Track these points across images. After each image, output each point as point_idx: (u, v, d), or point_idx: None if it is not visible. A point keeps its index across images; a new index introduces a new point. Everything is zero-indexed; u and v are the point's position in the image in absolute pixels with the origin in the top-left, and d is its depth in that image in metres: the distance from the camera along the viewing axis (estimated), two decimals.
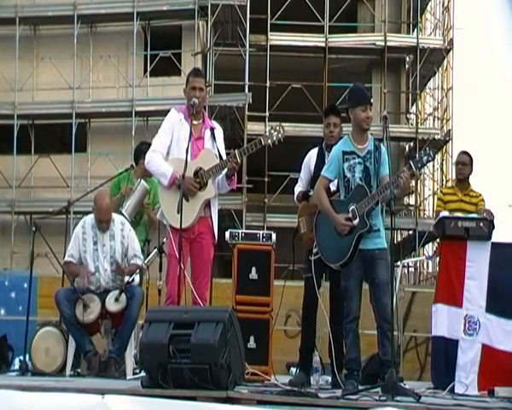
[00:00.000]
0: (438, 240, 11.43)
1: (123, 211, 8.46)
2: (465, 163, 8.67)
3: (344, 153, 6.44)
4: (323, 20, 22.36)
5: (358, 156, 6.41)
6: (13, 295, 11.68)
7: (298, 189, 7.68)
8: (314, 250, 7.02)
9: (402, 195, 6.51)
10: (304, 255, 7.49)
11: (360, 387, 6.22)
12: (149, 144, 8.80)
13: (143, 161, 8.63)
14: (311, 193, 7.45)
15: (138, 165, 8.79)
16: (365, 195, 6.30)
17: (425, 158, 6.33)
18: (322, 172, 6.59)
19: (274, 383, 6.55)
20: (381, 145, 6.50)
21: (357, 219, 6.29)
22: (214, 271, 7.31)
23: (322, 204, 6.48)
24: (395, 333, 6.41)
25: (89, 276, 7.73)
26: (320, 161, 7.46)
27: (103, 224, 7.83)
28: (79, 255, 7.86)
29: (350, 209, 6.32)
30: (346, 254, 6.32)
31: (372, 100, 6.45)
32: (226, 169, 6.69)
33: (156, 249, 8.57)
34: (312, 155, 7.60)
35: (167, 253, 7.02)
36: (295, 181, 7.89)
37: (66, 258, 7.96)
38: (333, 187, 7.22)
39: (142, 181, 8.63)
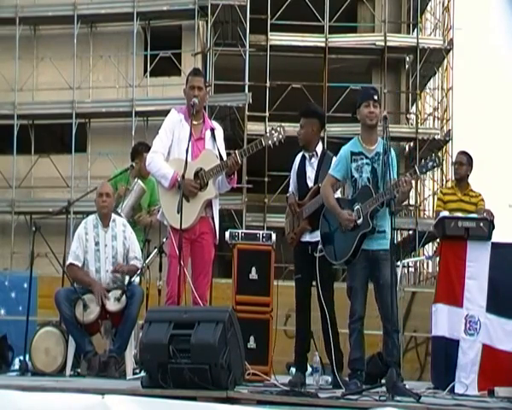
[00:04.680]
0: (438, 240, 11.43)
1: (120, 211, 8.45)
2: (462, 163, 8.68)
3: (352, 153, 6.52)
4: (323, 20, 22.37)
5: (366, 157, 6.48)
6: (13, 295, 11.66)
7: (290, 192, 7.73)
8: (319, 247, 7.06)
9: (403, 199, 6.56)
10: (292, 256, 7.53)
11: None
12: (146, 145, 8.89)
13: (138, 162, 8.71)
14: (289, 194, 7.53)
15: (135, 164, 8.85)
16: (370, 195, 6.37)
17: (430, 164, 6.44)
18: (330, 171, 6.70)
19: (274, 383, 6.54)
20: (391, 149, 6.54)
21: (361, 219, 6.34)
22: (214, 271, 7.31)
23: (329, 201, 6.57)
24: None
25: (104, 296, 7.60)
26: (302, 162, 7.56)
27: (103, 204, 7.82)
28: (83, 256, 7.84)
29: (355, 209, 6.40)
30: (349, 252, 6.39)
31: (376, 97, 6.46)
32: (226, 169, 6.71)
33: (156, 249, 8.57)
34: (297, 158, 7.67)
35: (168, 253, 7.02)
36: None
37: (70, 260, 7.85)
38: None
39: (139, 181, 8.65)
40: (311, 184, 7.48)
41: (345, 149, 6.58)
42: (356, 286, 6.39)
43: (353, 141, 6.62)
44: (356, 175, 6.49)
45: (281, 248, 7.67)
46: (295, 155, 7.71)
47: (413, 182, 6.42)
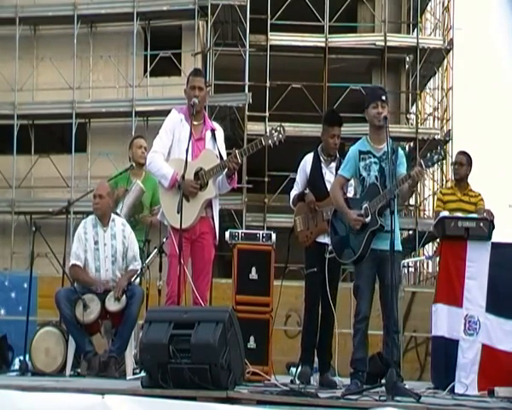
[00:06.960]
0: (438, 240, 11.43)
1: (118, 212, 8.45)
2: (461, 163, 8.70)
3: (360, 152, 6.57)
4: (323, 20, 22.36)
5: (374, 156, 6.52)
6: (13, 295, 11.69)
7: (293, 192, 7.78)
8: (329, 248, 7.08)
9: (409, 195, 6.61)
10: (302, 253, 7.53)
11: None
12: (139, 135, 8.99)
13: (131, 149, 8.78)
14: (307, 191, 7.53)
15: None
16: (378, 193, 6.40)
17: (435, 157, 6.47)
18: (339, 172, 6.76)
19: (274, 383, 6.55)
20: (399, 148, 6.63)
21: (369, 217, 6.36)
22: (214, 271, 7.31)
23: (337, 202, 6.61)
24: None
25: (106, 286, 7.67)
26: (316, 165, 7.62)
27: (96, 206, 7.84)
28: (84, 255, 7.84)
29: (363, 207, 6.42)
30: (358, 250, 6.40)
31: (384, 98, 6.49)
32: (226, 169, 6.71)
33: (156, 249, 8.57)
34: (308, 159, 7.72)
35: (168, 253, 7.03)
36: (295, 181, 7.91)
37: (72, 260, 7.86)
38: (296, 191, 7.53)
39: (138, 181, 8.65)
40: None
41: (353, 149, 6.62)
42: (362, 285, 6.41)
43: (361, 140, 6.67)
44: (364, 174, 6.52)
45: (288, 246, 7.65)
46: (303, 156, 7.73)
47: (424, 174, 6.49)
